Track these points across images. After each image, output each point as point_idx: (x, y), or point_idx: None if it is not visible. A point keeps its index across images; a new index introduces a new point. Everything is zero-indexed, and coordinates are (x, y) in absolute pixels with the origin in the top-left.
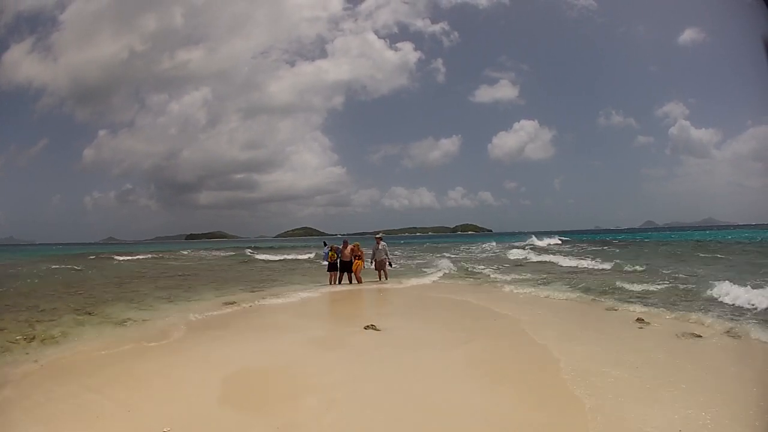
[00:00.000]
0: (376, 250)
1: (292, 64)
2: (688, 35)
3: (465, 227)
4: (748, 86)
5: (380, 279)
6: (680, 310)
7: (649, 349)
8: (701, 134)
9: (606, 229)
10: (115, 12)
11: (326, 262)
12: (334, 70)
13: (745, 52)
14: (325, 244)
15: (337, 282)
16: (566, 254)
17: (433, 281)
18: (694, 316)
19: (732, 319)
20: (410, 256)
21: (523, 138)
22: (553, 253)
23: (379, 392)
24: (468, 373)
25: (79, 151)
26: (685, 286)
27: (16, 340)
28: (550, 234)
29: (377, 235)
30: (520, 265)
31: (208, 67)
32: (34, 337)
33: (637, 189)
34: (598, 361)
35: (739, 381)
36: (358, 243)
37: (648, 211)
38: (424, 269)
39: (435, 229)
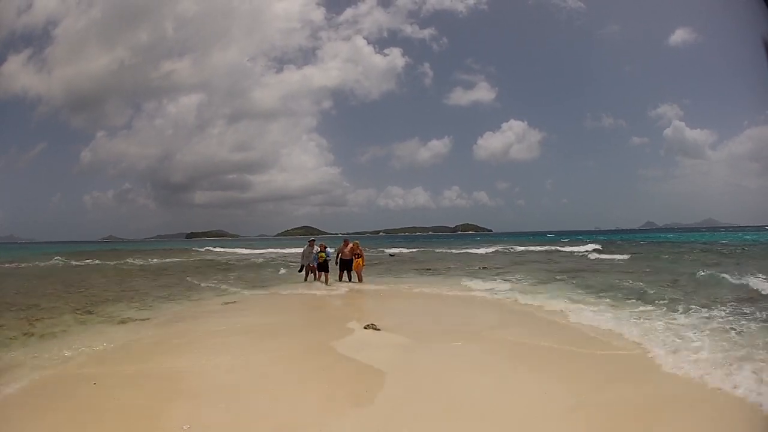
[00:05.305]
0: (307, 254)
1: (280, 70)
2: (679, 35)
3: (465, 227)
4: (743, 87)
5: (318, 279)
6: None
7: None
8: (696, 135)
9: (605, 230)
10: (104, 27)
11: (316, 263)
12: (322, 75)
13: (740, 52)
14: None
15: (338, 279)
16: None
17: None
18: None
19: None
20: None
21: (513, 139)
22: None
23: (378, 392)
24: (470, 372)
25: (76, 153)
26: None
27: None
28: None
29: (311, 239)
30: None
31: (198, 75)
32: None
33: (634, 190)
34: None
35: None
36: (357, 242)
37: (647, 212)
38: None
39: (435, 229)
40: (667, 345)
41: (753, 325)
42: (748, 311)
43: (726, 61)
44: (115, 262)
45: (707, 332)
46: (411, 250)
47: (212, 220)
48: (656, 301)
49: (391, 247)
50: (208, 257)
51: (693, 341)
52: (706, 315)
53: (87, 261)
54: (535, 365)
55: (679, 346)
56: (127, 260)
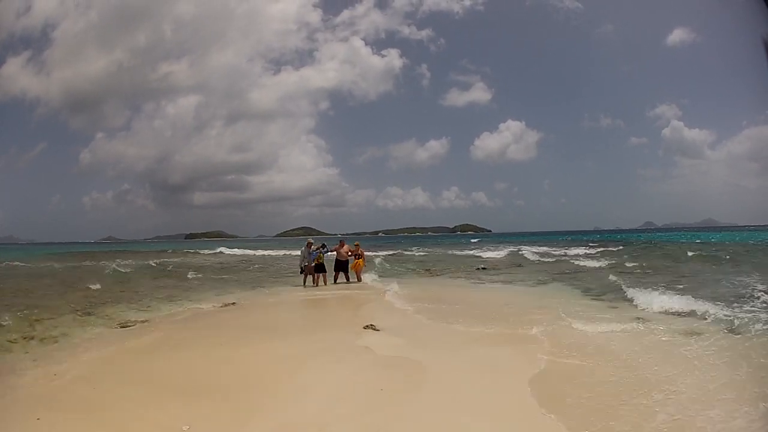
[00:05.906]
0: (305, 256)
1: (277, 72)
2: (677, 35)
3: (464, 227)
4: (742, 87)
5: (316, 284)
6: None
7: None
8: (695, 135)
9: (604, 230)
10: (103, 30)
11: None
12: (319, 76)
13: (739, 52)
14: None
15: (333, 281)
16: None
17: None
18: None
19: None
20: None
21: (511, 139)
22: None
23: (379, 392)
24: (470, 372)
25: (75, 155)
26: None
27: None
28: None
29: (309, 241)
30: None
31: (196, 76)
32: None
33: (633, 190)
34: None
35: None
36: (358, 243)
37: (647, 212)
38: None
39: (434, 229)
40: None
41: None
42: None
43: (725, 61)
44: (67, 265)
45: None
46: (410, 251)
47: (211, 221)
48: None
49: (390, 248)
50: (193, 259)
51: None
52: None
53: (44, 265)
54: (535, 365)
55: None
56: (84, 262)
